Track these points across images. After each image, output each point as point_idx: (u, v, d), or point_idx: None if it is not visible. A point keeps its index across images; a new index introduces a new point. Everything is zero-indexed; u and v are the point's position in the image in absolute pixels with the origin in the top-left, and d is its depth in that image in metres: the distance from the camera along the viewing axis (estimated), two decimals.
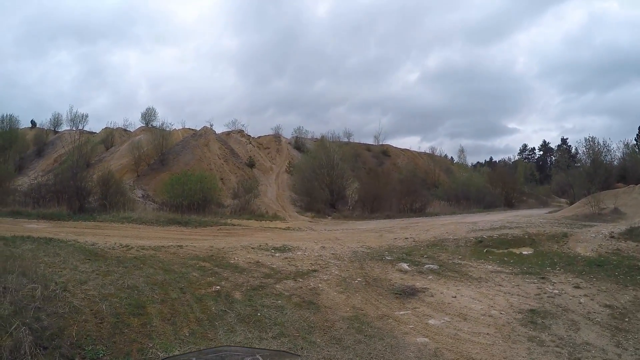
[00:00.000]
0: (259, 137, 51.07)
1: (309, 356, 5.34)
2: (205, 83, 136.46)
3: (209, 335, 5.75)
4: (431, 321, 7.09)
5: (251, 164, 40.68)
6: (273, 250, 11.97)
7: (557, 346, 6.18)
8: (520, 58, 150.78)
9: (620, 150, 32.56)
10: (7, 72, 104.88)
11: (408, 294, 8.50)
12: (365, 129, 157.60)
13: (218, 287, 7.92)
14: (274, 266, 10.12)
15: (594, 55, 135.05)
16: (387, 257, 11.55)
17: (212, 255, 10.77)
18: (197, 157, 36.34)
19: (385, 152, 55.01)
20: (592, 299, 8.32)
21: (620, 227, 15.93)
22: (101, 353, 4.79)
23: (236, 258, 10.66)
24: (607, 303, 8.10)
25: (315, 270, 9.95)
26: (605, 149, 30.60)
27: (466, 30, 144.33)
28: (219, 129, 47.34)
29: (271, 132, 52.56)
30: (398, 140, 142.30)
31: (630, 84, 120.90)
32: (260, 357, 2.39)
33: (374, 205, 31.96)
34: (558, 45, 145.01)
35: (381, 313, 7.40)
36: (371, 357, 5.52)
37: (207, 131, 41.91)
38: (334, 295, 8.23)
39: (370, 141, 57.32)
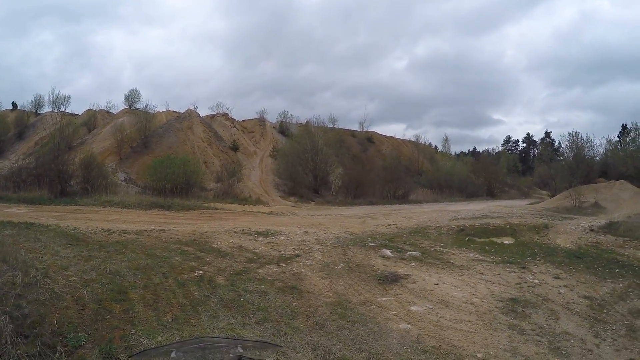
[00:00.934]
0: (244, 120, 50.57)
1: (292, 342, 5.36)
2: (191, 65, 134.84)
3: (192, 320, 5.73)
4: (413, 308, 7.17)
5: (235, 148, 40.42)
6: (256, 235, 11.97)
7: (537, 335, 6.30)
8: (509, 50, 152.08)
9: (603, 146, 33.27)
10: None
11: (390, 280, 8.57)
12: (350, 115, 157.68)
13: (201, 272, 7.90)
14: (257, 251, 10.11)
15: (582, 51, 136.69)
16: (369, 243, 11.61)
17: (195, 240, 10.73)
18: (180, 140, 36.08)
19: (370, 138, 55.00)
20: (571, 290, 8.48)
21: (600, 220, 16.37)
22: (83, 340, 4.75)
23: (219, 242, 10.64)
24: (586, 294, 8.27)
25: (298, 255, 9.97)
26: (588, 144, 31.09)
27: (457, 20, 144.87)
28: (204, 112, 46.93)
29: (256, 116, 52.02)
30: (383, 127, 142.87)
31: (617, 82, 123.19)
32: (241, 348, 2.40)
33: (357, 191, 32.20)
34: (547, 40, 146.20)
35: (364, 299, 7.45)
36: (354, 343, 5.55)
37: (191, 114, 41.56)
38: (317, 280, 8.26)
39: (355, 127, 57.33)
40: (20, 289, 5.10)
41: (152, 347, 4.50)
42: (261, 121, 50.62)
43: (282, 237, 11.86)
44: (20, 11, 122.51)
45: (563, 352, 5.82)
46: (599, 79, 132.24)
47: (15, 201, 18.57)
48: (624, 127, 39.16)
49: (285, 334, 5.60)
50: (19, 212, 14.88)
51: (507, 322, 6.72)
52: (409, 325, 6.31)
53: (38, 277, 5.98)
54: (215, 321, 5.79)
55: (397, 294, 7.83)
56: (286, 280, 8.02)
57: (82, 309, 5.51)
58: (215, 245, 10.27)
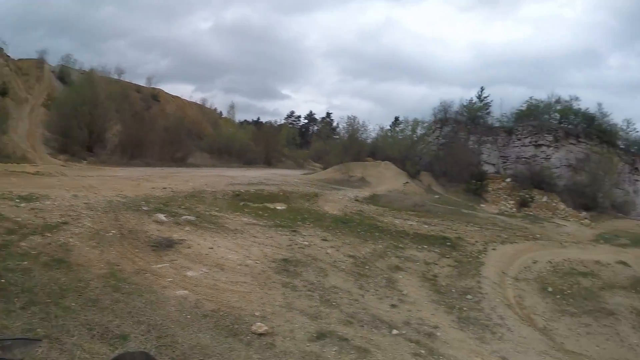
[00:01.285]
0: (20, 59, 42.31)
1: (65, 324, 5.02)
2: None
3: None
4: (190, 273, 7.43)
5: (4, 92, 34.29)
6: (18, 200, 10.46)
7: (308, 290, 7.16)
8: (313, 35, 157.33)
9: (376, 131, 36.86)
10: None
11: (165, 245, 8.65)
12: (141, 69, 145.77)
13: None
14: (19, 219, 8.86)
15: (377, 51, 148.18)
16: (143, 208, 11.34)
17: None
18: None
19: (156, 96, 51.55)
20: (337, 250, 9.70)
21: (365, 193, 19.10)
22: None
23: None
24: (351, 254, 9.55)
25: (65, 223, 9.08)
26: (363, 128, 34.56)
27: None
28: None
29: (35, 56, 44.14)
30: (171, 86, 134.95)
31: (399, 81, 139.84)
32: None
33: (134, 151, 30.63)
34: (351, 34, 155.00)
35: (138, 267, 7.42)
36: (132, 316, 5.53)
37: None
38: (87, 250, 7.80)
39: (142, 83, 53.31)
40: None
41: None
42: (40, 63, 42.64)
43: (48, 202, 10.66)
44: None
45: (333, 303, 6.75)
46: (385, 76, 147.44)
47: None
48: (397, 119, 43.96)
49: (55, 316, 5.17)
50: None
51: (281, 281, 7.47)
52: (186, 291, 6.57)
53: None
54: None
55: (172, 260, 7.98)
56: (52, 253, 7.35)
57: None
58: None
